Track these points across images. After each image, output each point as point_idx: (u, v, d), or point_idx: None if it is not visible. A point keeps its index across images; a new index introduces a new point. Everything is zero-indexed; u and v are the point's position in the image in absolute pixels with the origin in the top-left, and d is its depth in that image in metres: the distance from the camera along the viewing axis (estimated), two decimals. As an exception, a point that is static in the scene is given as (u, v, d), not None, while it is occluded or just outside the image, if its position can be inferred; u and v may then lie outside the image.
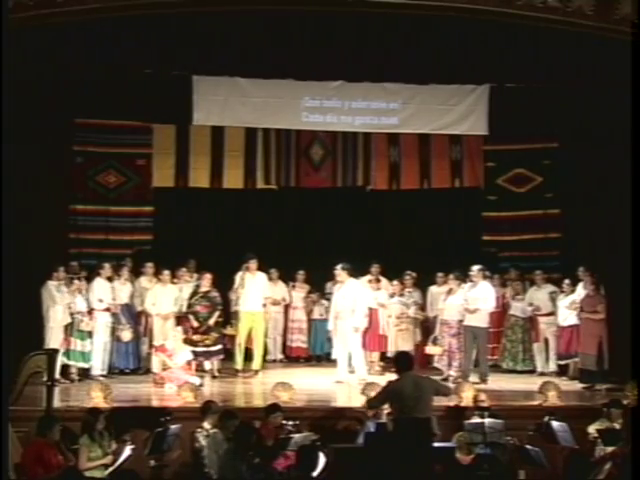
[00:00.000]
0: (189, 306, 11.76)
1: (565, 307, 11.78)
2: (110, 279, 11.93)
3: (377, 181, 13.85)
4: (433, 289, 12.68)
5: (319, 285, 13.38)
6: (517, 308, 12.50)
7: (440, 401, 9.17)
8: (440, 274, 12.43)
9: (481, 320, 11.44)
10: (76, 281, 11.44)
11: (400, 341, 12.33)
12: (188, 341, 11.48)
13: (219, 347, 11.76)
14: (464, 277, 11.66)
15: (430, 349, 11.90)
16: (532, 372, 12.35)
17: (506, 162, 13.85)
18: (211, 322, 11.68)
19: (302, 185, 13.86)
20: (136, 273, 12.40)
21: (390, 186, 13.87)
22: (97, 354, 11.53)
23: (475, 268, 11.45)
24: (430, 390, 8.00)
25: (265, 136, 13.54)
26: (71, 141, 13.02)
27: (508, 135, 13.37)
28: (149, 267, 12.27)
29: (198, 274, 12.21)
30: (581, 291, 11.53)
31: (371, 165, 13.82)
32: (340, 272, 11.50)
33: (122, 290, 12.04)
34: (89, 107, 12.64)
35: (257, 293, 11.95)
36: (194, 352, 11.42)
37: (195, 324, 11.63)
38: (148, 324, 12.14)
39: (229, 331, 12.09)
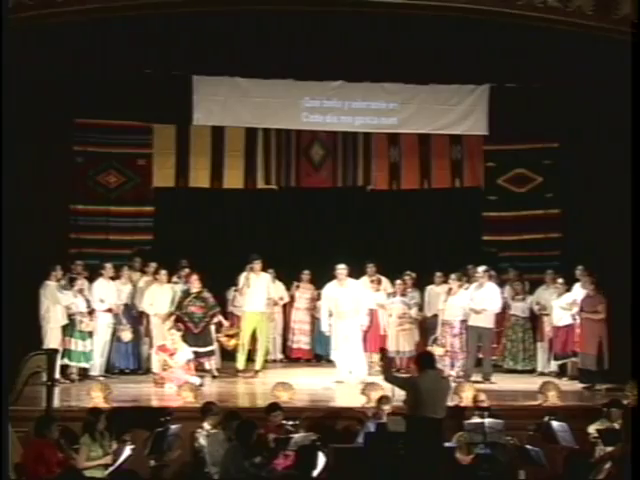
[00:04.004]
0: (181, 307, 11.72)
1: (561, 307, 11.78)
2: (112, 279, 11.93)
3: (377, 181, 13.85)
4: (431, 289, 12.66)
5: (319, 285, 13.37)
6: (517, 308, 12.52)
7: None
8: (439, 274, 12.43)
9: (487, 321, 11.50)
10: (79, 281, 11.45)
11: (402, 341, 12.29)
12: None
13: (211, 348, 11.76)
14: (465, 277, 11.70)
15: (433, 349, 11.87)
16: (532, 372, 12.37)
17: (506, 162, 13.84)
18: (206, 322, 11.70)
19: (302, 185, 13.85)
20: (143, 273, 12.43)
21: (390, 186, 13.87)
22: (96, 354, 11.53)
23: (481, 269, 11.54)
24: (446, 392, 8.06)
25: (265, 136, 13.53)
26: (71, 141, 13.00)
27: (508, 135, 13.35)
28: (152, 267, 12.26)
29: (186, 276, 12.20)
30: (578, 290, 11.50)
31: (371, 165, 13.81)
32: (343, 272, 11.50)
33: (123, 290, 12.05)
34: (89, 107, 12.64)
35: (261, 293, 11.95)
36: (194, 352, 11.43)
37: (190, 325, 11.62)
38: (149, 324, 12.13)
39: (223, 338, 11.99)
